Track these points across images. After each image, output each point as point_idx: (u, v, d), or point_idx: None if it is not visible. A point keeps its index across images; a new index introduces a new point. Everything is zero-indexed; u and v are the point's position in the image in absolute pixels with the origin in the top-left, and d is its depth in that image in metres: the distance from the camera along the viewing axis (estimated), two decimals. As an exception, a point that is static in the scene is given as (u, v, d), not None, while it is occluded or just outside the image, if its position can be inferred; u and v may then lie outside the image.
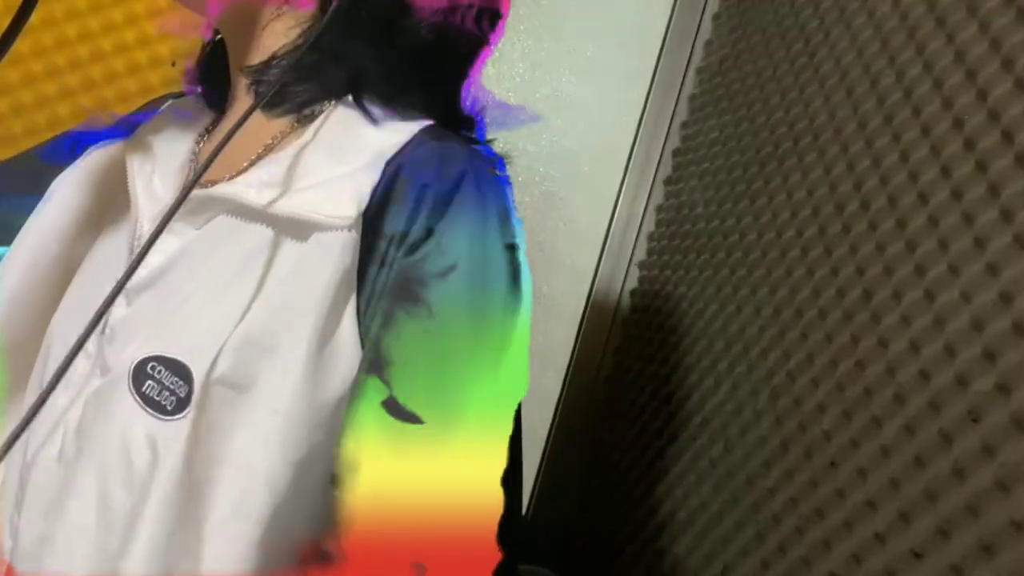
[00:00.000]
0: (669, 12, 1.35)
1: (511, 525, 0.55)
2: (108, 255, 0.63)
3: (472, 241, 0.55)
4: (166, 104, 0.73)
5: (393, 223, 0.56)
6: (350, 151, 0.58)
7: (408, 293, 0.55)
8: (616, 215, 1.33)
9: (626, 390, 1.19)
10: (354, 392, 0.55)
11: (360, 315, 0.55)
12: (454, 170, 0.56)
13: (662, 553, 0.93)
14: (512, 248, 0.58)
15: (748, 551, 0.78)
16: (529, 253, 0.60)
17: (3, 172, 0.73)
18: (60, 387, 0.55)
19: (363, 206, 0.55)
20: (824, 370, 0.74)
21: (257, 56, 0.63)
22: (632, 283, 1.30)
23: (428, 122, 0.61)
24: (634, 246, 1.32)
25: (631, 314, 1.28)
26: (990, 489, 0.55)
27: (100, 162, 0.68)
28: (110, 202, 0.66)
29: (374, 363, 0.54)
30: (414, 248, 0.55)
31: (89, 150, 0.69)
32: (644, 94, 1.35)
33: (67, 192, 0.67)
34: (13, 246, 0.65)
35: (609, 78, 1.36)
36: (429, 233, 0.55)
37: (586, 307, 1.32)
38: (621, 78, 1.36)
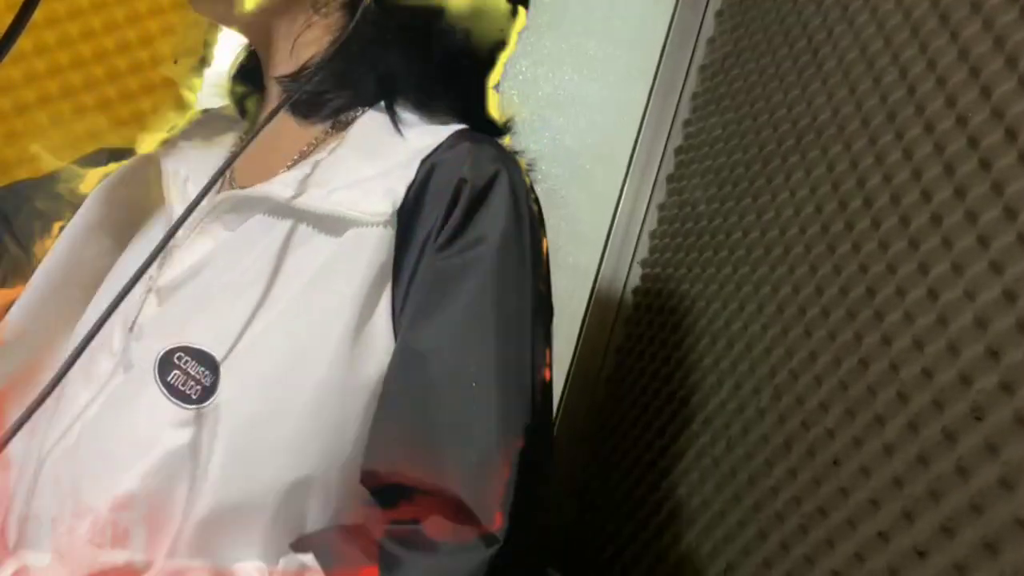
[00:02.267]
0: (671, 9, 1.35)
1: (543, 527, 0.55)
2: (140, 258, 0.63)
3: (506, 240, 0.57)
4: (201, 113, 0.74)
5: (430, 217, 0.57)
6: (384, 152, 0.60)
7: (442, 286, 0.56)
8: (618, 213, 1.33)
9: (628, 389, 1.19)
10: (386, 385, 0.55)
11: (395, 307, 0.56)
12: (489, 168, 0.58)
13: (664, 552, 0.93)
14: (541, 247, 0.59)
15: (750, 550, 0.78)
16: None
17: (40, 185, 0.74)
18: (81, 385, 0.56)
19: (398, 203, 0.56)
20: (827, 368, 0.74)
21: (290, 65, 0.64)
22: (634, 282, 1.30)
23: (461, 126, 0.62)
24: (636, 244, 1.32)
25: (633, 313, 1.28)
26: (993, 487, 0.55)
27: (135, 172, 0.69)
28: (143, 210, 0.67)
29: (407, 354, 0.55)
30: (450, 242, 0.56)
31: (124, 160, 0.70)
32: (646, 92, 1.35)
33: (102, 200, 0.67)
34: (53, 253, 0.65)
35: (611, 76, 1.36)
36: (464, 228, 0.57)
37: (588, 306, 1.32)
38: (623, 76, 1.35)
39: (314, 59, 0.63)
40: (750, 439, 0.83)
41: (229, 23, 0.66)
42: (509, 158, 0.61)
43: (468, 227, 0.57)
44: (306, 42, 0.64)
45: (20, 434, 0.60)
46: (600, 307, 1.32)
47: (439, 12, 0.64)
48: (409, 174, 0.58)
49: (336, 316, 0.54)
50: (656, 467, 1.01)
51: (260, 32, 0.66)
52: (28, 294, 0.64)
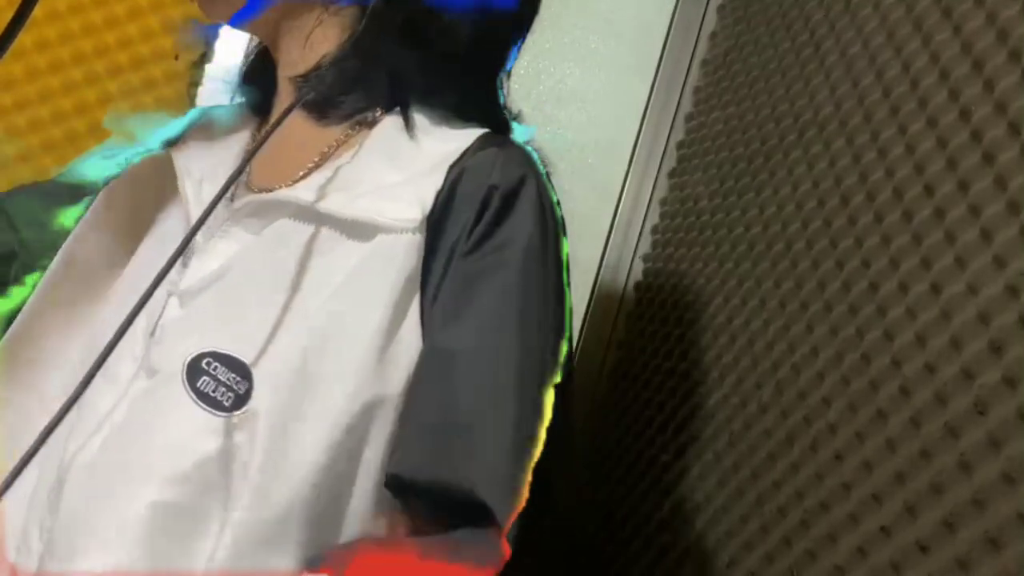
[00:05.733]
0: (673, 4, 1.35)
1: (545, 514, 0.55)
2: (156, 260, 0.63)
3: (531, 244, 0.57)
4: (207, 110, 0.74)
5: (458, 223, 0.57)
6: (408, 157, 0.60)
7: (470, 287, 0.56)
8: (620, 208, 1.33)
9: (630, 384, 1.19)
10: (413, 384, 0.55)
11: (423, 313, 0.56)
12: (516, 172, 0.58)
13: (666, 548, 0.93)
14: (563, 243, 0.60)
15: (753, 545, 0.78)
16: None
17: (50, 184, 0.74)
18: (105, 389, 0.55)
19: (427, 209, 0.56)
20: (829, 363, 0.74)
21: (302, 63, 0.64)
22: (636, 276, 1.30)
23: (484, 129, 0.63)
24: (638, 239, 1.32)
25: (635, 308, 1.28)
26: (996, 482, 0.54)
27: (146, 170, 0.68)
28: (155, 209, 0.67)
29: (433, 355, 0.55)
30: (478, 244, 0.56)
31: (135, 159, 0.70)
32: (648, 86, 1.34)
33: (109, 201, 0.67)
34: (59, 253, 0.65)
35: (612, 70, 1.35)
36: (492, 231, 0.57)
37: (590, 301, 1.32)
38: (625, 70, 1.35)
39: (327, 57, 0.63)
40: (752, 434, 0.83)
41: (237, 25, 0.66)
42: (535, 163, 0.61)
43: (497, 230, 0.57)
44: (318, 39, 0.64)
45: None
46: (602, 302, 1.32)
47: (445, 8, 0.64)
48: (437, 180, 0.57)
49: (366, 322, 0.54)
50: (658, 462, 1.01)
51: (269, 31, 0.66)
52: (35, 296, 0.64)
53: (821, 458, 0.71)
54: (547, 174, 0.62)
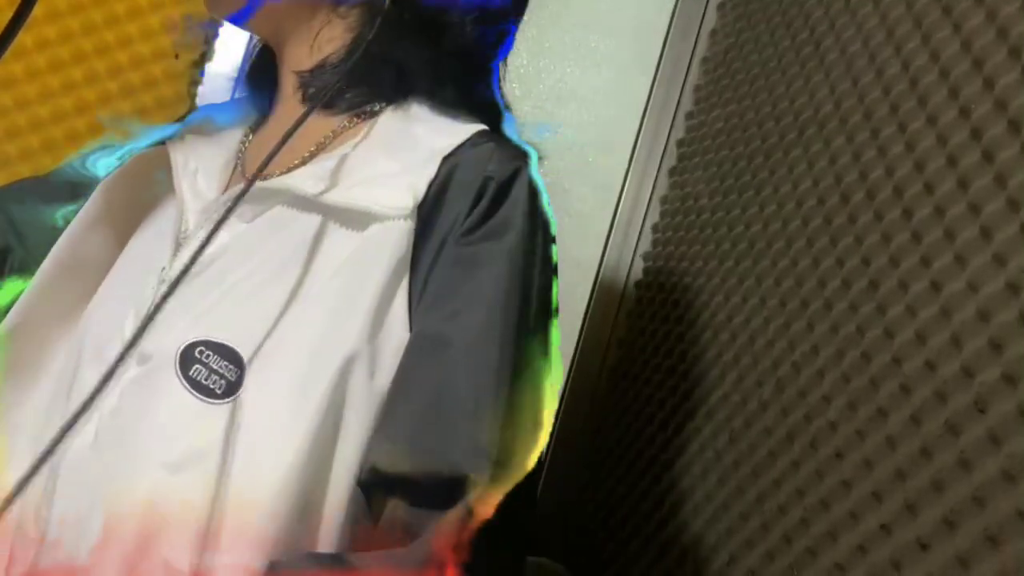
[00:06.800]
0: (673, 2, 1.35)
1: (523, 516, 0.55)
2: (149, 250, 0.64)
3: (522, 236, 0.58)
4: (206, 106, 0.75)
5: (452, 212, 0.58)
6: (404, 149, 0.61)
7: (462, 273, 0.57)
8: (620, 206, 1.33)
9: (631, 382, 1.19)
10: (401, 367, 0.56)
11: (411, 299, 0.57)
12: (511, 165, 0.60)
13: (667, 545, 0.93)
14: (551, 238, 0.61)
15: (754, 542, 0.78)
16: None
17: (50, 180, 0.74)
18: (92, 374, 0.56)
19: (419, 198, 0.58)
20: (830, 361, 0.74)
21: (308, 60, 0.65)
22: (637, 275, 1.30)
23: (481, 126, 0.64)
24: (639, 237, 1.32)
25: (636, 306, 1.28)
26: (996, 480, 0.55)
27: (143, 165, 0.69)
28: (150, 203, 0.67)
29: (424, 339, 0.55)
30: (472, 229, 0.58)
31: (132, 154, 0.70)
32: (648, 84, 1.34)
33: (104, 194, 0.67)
34: (55, 247, 0.65)
35: (613, 68, 1.35)
36: (487, 217, 0.58)
37: (590, 299, 1.32)
38: (625, 68, 1.35)
39: (333, 56, 0.64)
40: (753, 432, 0.83)
41: (240, 23, 0.66)
42: (528, 158, 0.63)
43: (491, 217, 0.58)
44: (326, 39, 0.65)
45: (32, 429, 0.60)
46: (602, 300, 1.32)
47: (450, 7, 0.65)
48: (431, 171, 0.59)
49: (358, 310, 0.55)
50: (659, 460, 1.01)
51: (273, 30, 0.67)
52: (30, 289, 0.64)
53: (821, 456, 0.71)
54: (538, 171, 0.63)
